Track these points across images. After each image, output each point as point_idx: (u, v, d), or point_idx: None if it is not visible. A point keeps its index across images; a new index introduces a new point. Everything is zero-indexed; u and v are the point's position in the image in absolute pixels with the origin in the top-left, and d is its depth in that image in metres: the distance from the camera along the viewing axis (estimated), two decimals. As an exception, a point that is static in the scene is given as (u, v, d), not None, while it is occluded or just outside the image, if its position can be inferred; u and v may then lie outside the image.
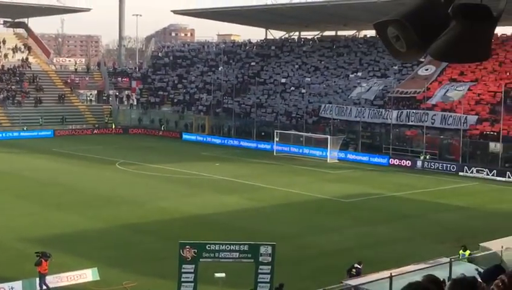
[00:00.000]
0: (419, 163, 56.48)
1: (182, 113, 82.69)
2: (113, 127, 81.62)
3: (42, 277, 22.91)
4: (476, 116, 58.22)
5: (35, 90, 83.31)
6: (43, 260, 22.89)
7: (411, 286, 3.66)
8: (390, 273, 18.57)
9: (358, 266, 23.07)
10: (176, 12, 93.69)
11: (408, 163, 57.20)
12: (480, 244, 24.52)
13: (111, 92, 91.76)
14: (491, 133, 55.76)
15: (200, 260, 21.32)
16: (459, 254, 24.67)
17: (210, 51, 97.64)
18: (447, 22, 3.51)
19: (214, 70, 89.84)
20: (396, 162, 57.86)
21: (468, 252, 24.54)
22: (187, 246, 21.38)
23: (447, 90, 62.60)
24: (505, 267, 2.28)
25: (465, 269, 18.54)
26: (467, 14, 3.61)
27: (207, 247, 21.49)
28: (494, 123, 56.09)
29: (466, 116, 57.34)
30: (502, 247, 20.80)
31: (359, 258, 24.04)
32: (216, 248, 21.44)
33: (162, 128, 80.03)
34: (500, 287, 2.22)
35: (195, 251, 21.22)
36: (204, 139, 74.04)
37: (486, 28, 3.77)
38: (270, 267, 21.50)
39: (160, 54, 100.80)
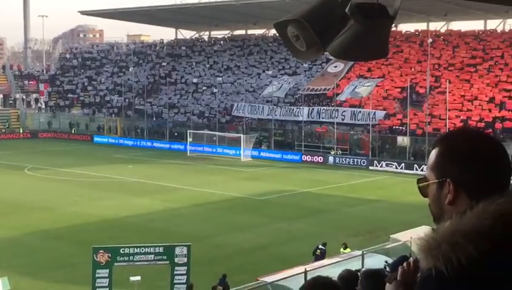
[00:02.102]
0: (331, 159, 57.53)
1: (92, 116, 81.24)
2: (21, 131, 79.26)
3: None
4: (384, 112, 59.85)
5: None
6: None
7: (310, 283, 3.78)
8: (305, 269, 18.82)
9: (323, 248, 23.51)
10: (83, 13, 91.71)
11: (320, 159, 58.17)
12: (391, 235, 25.18)
13: (17, 95, 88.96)
14: (399, 127, 57.45)
15: (115, 264, 21.01)
16: (340, 252, 24.67)
17: (120, 52, 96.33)
18: (344, 21, 3.60)
19: (124, 72, 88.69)
20: (308, 158, 58.73)
21: (348, 250, 24.58)
22: (101, 251, 21.05)
23: (356, 87, 63.96)
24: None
25: (377, 261, 18.99)
26: (364, 13, 3.71)
27: (121, 251, 21.21)
28: (401, 118, 57.81)
29: (375, 112, 58.90)
30: (411, 238, 21.42)
31: (276, 255, 24.27)
32: (130, 251, 21.20)
33: (73, 132, 78.36)
34: (402, 272, 2.30)
35: (109, 255, 20.91)
36: (117, 141, 72.99)
37: (383, 27, 3.88)
38: (186, 268, 21.44)
39: (68, 56, 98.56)
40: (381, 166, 54.24)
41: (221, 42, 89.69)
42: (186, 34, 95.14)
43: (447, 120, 53.20)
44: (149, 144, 70.20)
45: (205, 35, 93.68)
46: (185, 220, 34.67)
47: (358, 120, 60.00)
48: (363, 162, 55.68)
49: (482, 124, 53.87)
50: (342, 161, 56.89)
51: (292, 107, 65.49)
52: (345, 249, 24.87)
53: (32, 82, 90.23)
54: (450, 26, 74.76)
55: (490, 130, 52.86)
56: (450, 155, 2.07)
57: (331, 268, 19.02)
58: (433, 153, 2.12)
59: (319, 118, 62.43)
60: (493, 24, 72.45)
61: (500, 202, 1.87)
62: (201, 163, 57.67)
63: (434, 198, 2.11)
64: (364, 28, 3.68)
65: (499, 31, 70.75)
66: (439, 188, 2.08)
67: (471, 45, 67.46)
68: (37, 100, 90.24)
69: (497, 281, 1.83)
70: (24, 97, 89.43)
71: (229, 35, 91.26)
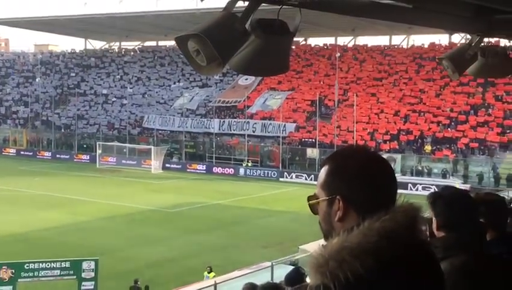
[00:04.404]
0: (241, 170, 57.79)
1: (-3, 127, 78.72)
2: None
3: None
4: (294, 124, 60.66)
5: None
6: None
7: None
8: (215, 281, 18.79)
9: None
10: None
11: (231, 171, 58.34)
12: (300, 246, 25.45)
13: None
14: (309, 139, 58.34)
15: (19, 280, 20.37)
16: (204, 276, 23.77)
17: (26, 61, 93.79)
18: (245, 36, 3.64)
19: (31, 82, 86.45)
20: (219, 170, 58.79)
21: (212, 274, 23.50)
22: (4, 267, 20.36)
23: (266, 99, 64.70)
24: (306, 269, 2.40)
25: (286, 272, 19.14)
26: (264, 28, 3.76)
27: (25, 266, 20.59)
28: (311, 130, 58.76)
29: (285, 124, 59.61)
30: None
31: (187, 267, 24.09)
32: (35, 267, 20.60)
33: (-24, 143, 75.64)
34: None
35: (13, 271, 20.25)
36: (23, 153, 70.89)
37: (283, 42, 3.94)
38: (93, 283, 21.02)
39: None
40: (291, 177, 54.88)
41: (132, 53, 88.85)
42: (96, 44, 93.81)
43: (355, 132, 54.47)
44: (57, 156, 68.53)
45: (115, 45, 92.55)
46: (94, 233, 33.96)
47: (269, 132, 60.59)
48: (274, 174, 56.20)
49: (388, 137, 55.47)
50: (253, 172, 57.24)
51: (203, 119, 65.48)
52: (209, 272, 23.75)
53: None
54: (357, 41, 76.71)
55: (395, 142, 54.56)
56: (339, 173, 2.12)
57: (241, 280, 19.06)
58: (323, 171, 2.17)
59: (230, 130, 62.68)
60: (398, 40, 74.93)
61: (385, 219, 1.93)
62: (111, 175, 56.75)
63: (324, 215, 2.16)
64: (264, 44, 3.73)
65: (404, 46, 73.15)
66: (329, 206, 2.13)
67: (378, 60, 69.42)
68: None
69: None
70: None
71: (140, 46, 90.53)
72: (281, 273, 20.65)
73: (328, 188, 2.13)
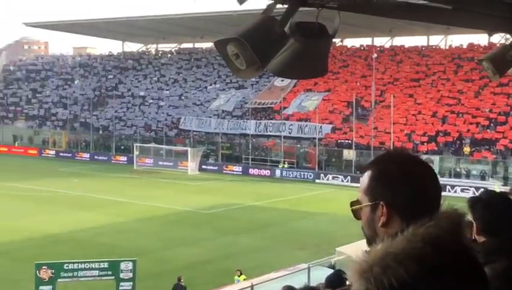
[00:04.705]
0: (278, 172, 57.75)
1: (37, 129, 79.86)
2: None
3: None
4: (331, 125, 60.45)
5: None
6: None
7: None
8: (251, 283, 18.83)
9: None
10: (28, 24, 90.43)
11: (267, 172, 58.33)
12: (336, 248, 25.36)
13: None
14: (345, 141, 58.08)
15: (58, 280, 20.65)
16: (234, 279, 23.82)
17: (65, 64, 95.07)
18: (284, 40, 3.63)
19: (70, 84, 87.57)
20: (255, 172, 58.84)
21: (243, 277, 23.65)
22: (44, 267, 20.66)
23: (302, 101, 64.53)
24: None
25: (323, 274, 19.08)
26: (303, 32, 3.75)
27: (65, 266, 20.87)
28: (347, 131, 58.50)
29: (321, 126, 59.45)
30: (356, 250, 21.60)
31: (223, 269, 24.18)
32: (74, 267, 20.87)
33: (16, 145, 76.80)
34: None
35: (53, 271, 20.54)
36: (62, 154, 71.85)
37: (322, 45, 3.93)
38: (131, 283, 21.20)
39: (12, 68, 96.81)
40: (327, 179, 54.68)
41: (169, 55, 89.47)
42: (133, 46, 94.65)
43: (392, 134, 54.06)
44: (95, 157, 69.31)
45: (152, 48, 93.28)
46: (131, 234, 34.27)
47: (305, 133, 60.48)
48: (310, 176, 56.05)
49: (426, 138, 54.92)
50: (289, 174, 57.17)
51: (239, 121, 65.62)
52: (239, 276, 23.76)
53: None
54: (394, 41, 76.13)
55: (433, 144, 53.99)
56: (382, 178, 2.11)
57: (278, 282, 19.07)
58: (365, 176, 2.15)
59: (266, 132, 62.70)
60: (436, 40, 74.16)
61: (430, 225, 1.91)
62: (148, 176, 57.20)
63: (367, 221, 2.15)
64: (304, 47, 3.72)
65: (441, 47, 72.39)
66: (373, 211, 2.12)
67: (415, 60, 68.82)
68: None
69: None
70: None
71: (176, 48, 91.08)
72: (317, 275, 20.62)
73: (371, 193, 2.13)
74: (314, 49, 3.90)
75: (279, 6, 3.75)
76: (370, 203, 2.13)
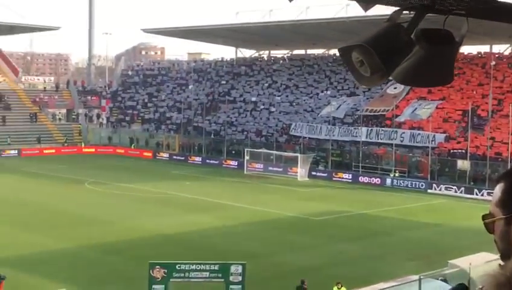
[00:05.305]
0: (388, 180, 56.89)
1: (152, 132, 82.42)
2: (82, 145, 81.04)
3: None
4: (444, 134, 58.93)
5: (2, 109, 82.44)
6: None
7: None
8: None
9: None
10: (146, 31, 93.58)
11: (378, 181, 57.57)
12: (449, 261, 24.69)
13: (80, 110, 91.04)
14: (459, 151, 56.44)
15: (170, 280, 21.19)
16: None
17: (180, 69, 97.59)
18: (410, 47, 3.58)
19: (184, 89, 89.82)
20: (366, 179, 58.19)
21: (344, 288, 23.14)
22: (157, 266, 21.25)
23: (415, 109, 63.30)
24: (473, 285, 2.31)
25: (434, 286, 18.67)
26: (429, 39, 3.69)
27: (177, 267, 21.39)
28: (462, 141, 56.80)
29: (434, 134, 58.06)
30: (470, 264, 20.99)
31: (331, 276, 24.05)
32: (186, 268, 21.35)
33: (132, 147, 79.58)
34: None
35: (165, 270, 21.09)
36: (175, 157, 73.79)
37: (448, 53, 3.84)
38: (240, 286, 21.45)
39: (130, 73, 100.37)
40: (440, 189, 53.32)
41: (281, 61, 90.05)
42: (246, 53, 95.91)
43: (510, 144, 52.03)
44: (206, 161, 70.70)
45: (265, 54, 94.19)
46: (240, 238, 34.73)
47: (417, 142, 59.25)
48: (422, 185, 54.85)
49: (546, 150, 52.50)
50: (400, 183, 56.18)
51: (350, 128, 65.13)
52: (339, 288, 23.19)
53: (94, 98, 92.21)
54: (514, 48, 73.33)
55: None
56: None
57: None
58: (498, 189, 2.10)
59: (378, 139, 61.89)
60: (559, 47, 70.83)
61: None
62: (258, 181, 57.79)
63: (501, 234, 2.09)
64: (428, 54, 3.65)
65: None
66: (507, 224, 2.06)
67: (536, 68, 66.02)
68: (98, 115, 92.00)
69: None
70: (87, 112, 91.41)
71: (289, 54, 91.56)
72: (428, 287, 20.15)
73: (505, 206, 2.07)
74: (440, 57, 3.82)
75: (404, 13, 3.70)
76: (504, 217, 2.08)
